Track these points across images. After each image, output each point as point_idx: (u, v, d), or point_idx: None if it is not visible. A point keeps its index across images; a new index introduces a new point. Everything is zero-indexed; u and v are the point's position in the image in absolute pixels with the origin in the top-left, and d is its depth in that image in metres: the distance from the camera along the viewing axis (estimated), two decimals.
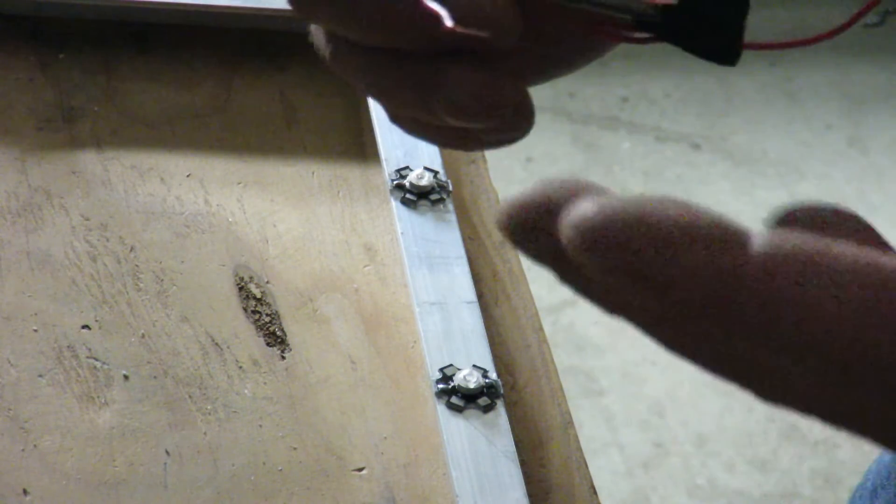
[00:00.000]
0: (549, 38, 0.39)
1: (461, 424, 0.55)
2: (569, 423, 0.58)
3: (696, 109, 2.35)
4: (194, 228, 0.62)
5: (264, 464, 0.54)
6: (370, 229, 0.64)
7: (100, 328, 0.57)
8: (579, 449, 0.57)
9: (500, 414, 0.56)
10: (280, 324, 0.59)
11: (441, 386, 0.56)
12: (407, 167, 0.64)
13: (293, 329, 0.59)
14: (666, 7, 0.36)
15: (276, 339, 0.59)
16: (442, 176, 0.64)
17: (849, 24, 0.36)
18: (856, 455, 1.83)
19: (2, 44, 0.69)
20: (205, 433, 0.54)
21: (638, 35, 0.37)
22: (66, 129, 0.66)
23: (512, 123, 0.38)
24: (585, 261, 0.26)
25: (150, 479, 0.53)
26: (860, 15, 0.37)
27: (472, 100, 0.37)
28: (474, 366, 0.57)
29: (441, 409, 0.56)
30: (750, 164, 2.28)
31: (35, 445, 0.53)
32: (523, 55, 0.39)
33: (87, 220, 0.62)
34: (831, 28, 0.37)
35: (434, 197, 0.63)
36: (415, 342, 0.59)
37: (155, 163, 0.65)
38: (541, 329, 0.62)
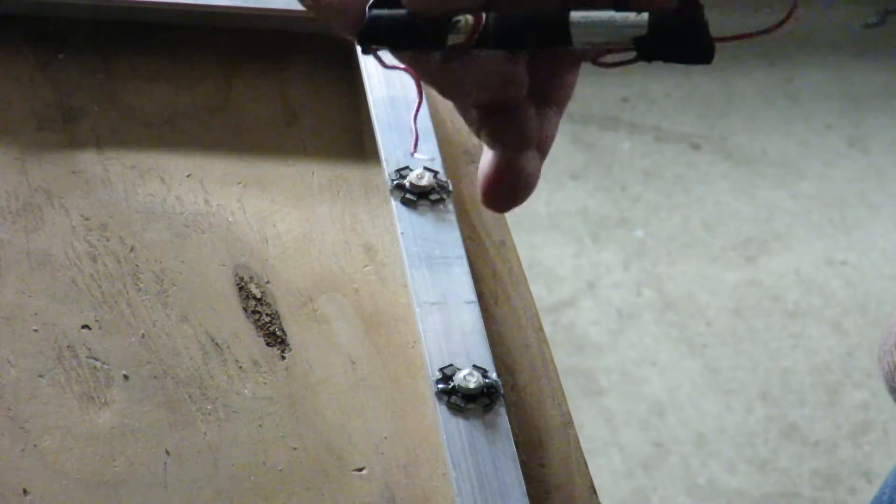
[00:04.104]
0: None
1: (461, 424, 0.55)
2: (569, 423, 0.58)
3: (696, 109, 2.35)
4: (194, 228, 0.62)
5: (264, 464, 0.54)
6: (370, 229, 0.64)
7: (100, 328, 0.57)
8: (579, 449, 0.57)
9: (500, 414, 0.56)
10: (280, 324, 0.59)
11: (441, 386, 0.56)
12: (407, 167, 0.64)
13: (293, 329, 0.59)
14: (638, 38, 0.43)
15: (276, 339, 0.59)
16: (442, 176, 0.64)
17: (786, 19, 0.43)
18: (856, 455, 1.83)
19: (2, 44, 0.69)
20: (205, 433, 0.54)
21: (623, 58, 0.44)
22: (65, 129, 0.66)
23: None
24: None
25: (150, 479, 0.53)
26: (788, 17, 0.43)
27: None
28: (474, 366, 0.57)
29: (441, 409, 0.56)
30: (750, 164, 2.27)
31: (35, 445, 0.53)
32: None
33: (87, 220, 0.62)
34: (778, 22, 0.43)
35: (434, 197, 0.63)
36: (415, 342, 0.59)
37: (155, 163, 0.65)
38: (541, 329, 0.62)
